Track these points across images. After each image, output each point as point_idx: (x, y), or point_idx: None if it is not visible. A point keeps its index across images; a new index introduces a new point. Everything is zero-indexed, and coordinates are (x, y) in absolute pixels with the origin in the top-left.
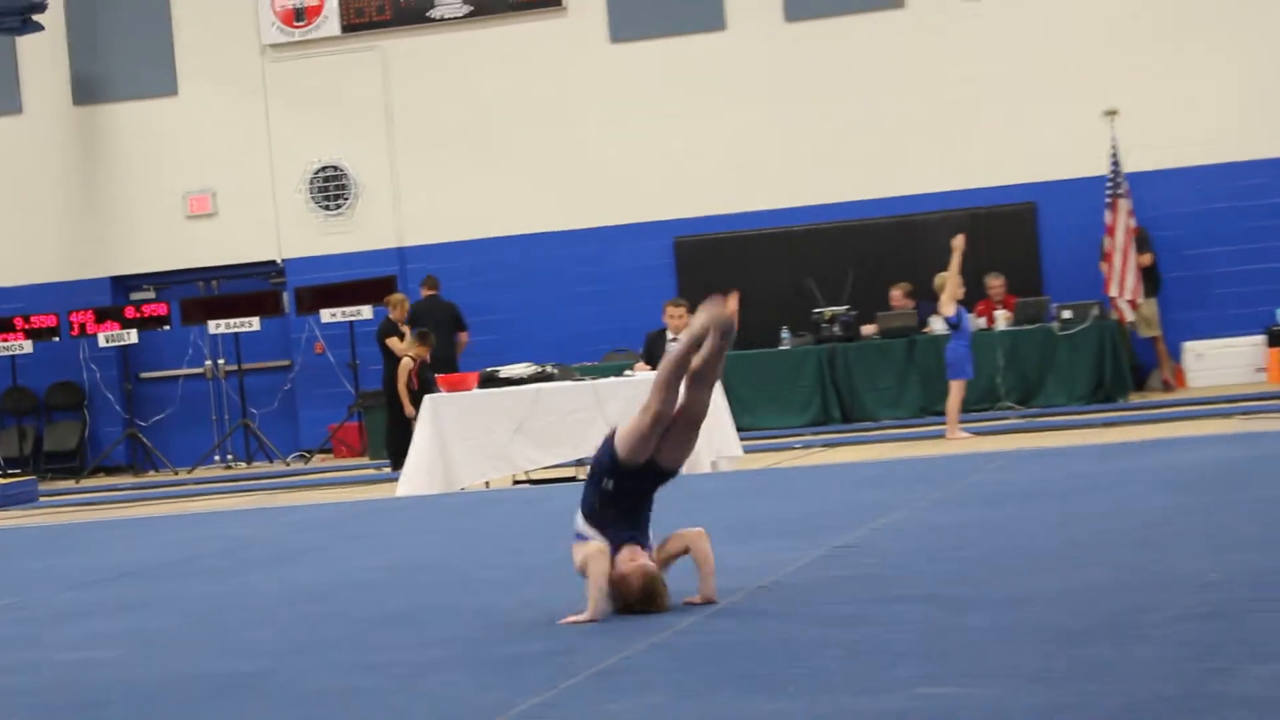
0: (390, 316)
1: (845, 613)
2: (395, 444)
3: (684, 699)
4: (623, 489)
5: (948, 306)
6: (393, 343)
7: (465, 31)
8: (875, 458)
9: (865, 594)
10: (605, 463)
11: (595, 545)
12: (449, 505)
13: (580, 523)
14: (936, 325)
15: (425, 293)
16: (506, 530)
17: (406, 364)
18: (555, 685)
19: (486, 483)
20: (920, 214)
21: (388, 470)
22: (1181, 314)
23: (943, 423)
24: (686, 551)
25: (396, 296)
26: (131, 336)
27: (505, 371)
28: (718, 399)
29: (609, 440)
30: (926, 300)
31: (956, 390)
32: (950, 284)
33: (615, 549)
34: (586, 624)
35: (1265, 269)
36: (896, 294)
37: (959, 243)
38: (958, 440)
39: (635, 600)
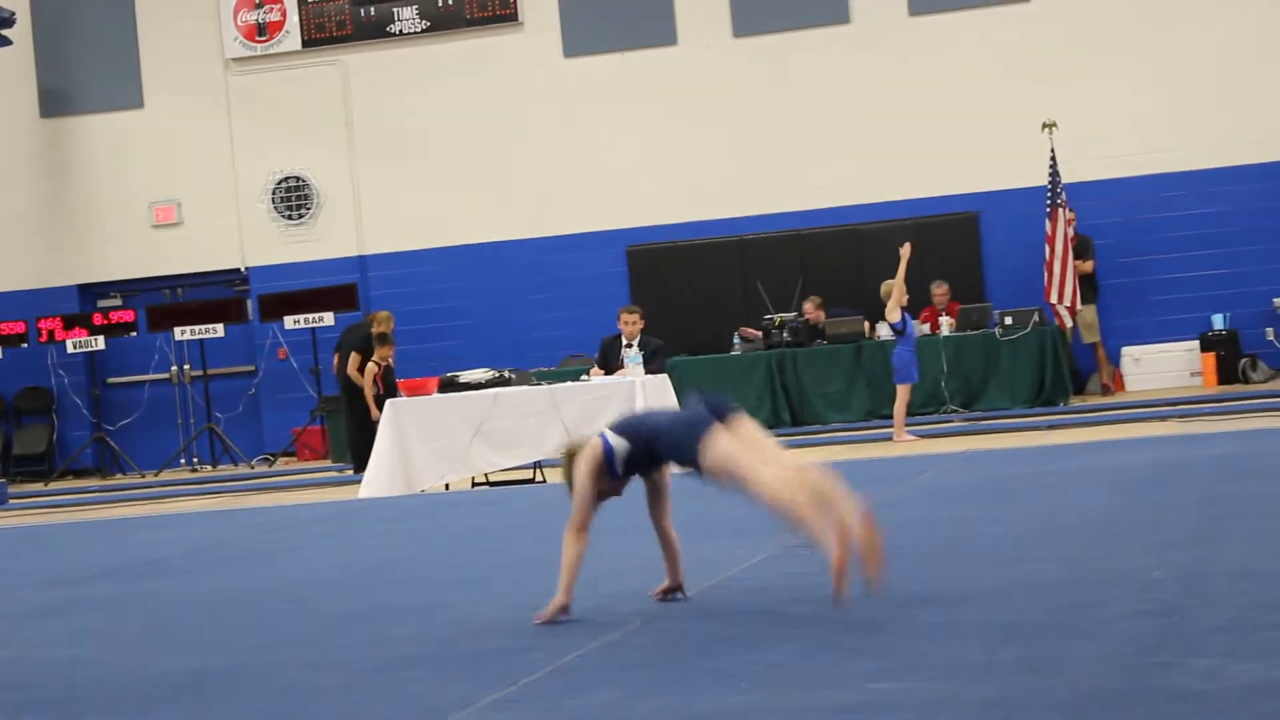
0: (374, 330)
1: (797, 610)
2: (359, 447)
3: (640, 695)
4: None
5: (893, 313)
6: (353, 372)
7: (423, 46)
8: (825, 459)
9: (817, 591)
10: (686, 456)
11: (575, 526)
12: (410, 507)
13: (618, 445)
14: (882, 331)
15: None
16: (466, 530)
17: (371, 369)
18: (515, 681)
19: (446, 485)
20: (866, 223)
21: (350, 473)
22: (1120, 320)
23: (890, 425)
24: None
25: (384, 314)
26: (99, 343)
27: (464, 376)
28: (670, 402)
29: (698, 438)
30: (876, 307)
31: (903, 394)
32: (896, 291)
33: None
34: (560, 613)
35: (1199, 276)
36: (809, 306)
37: (906, 251)
38: (905, 442)
39: None
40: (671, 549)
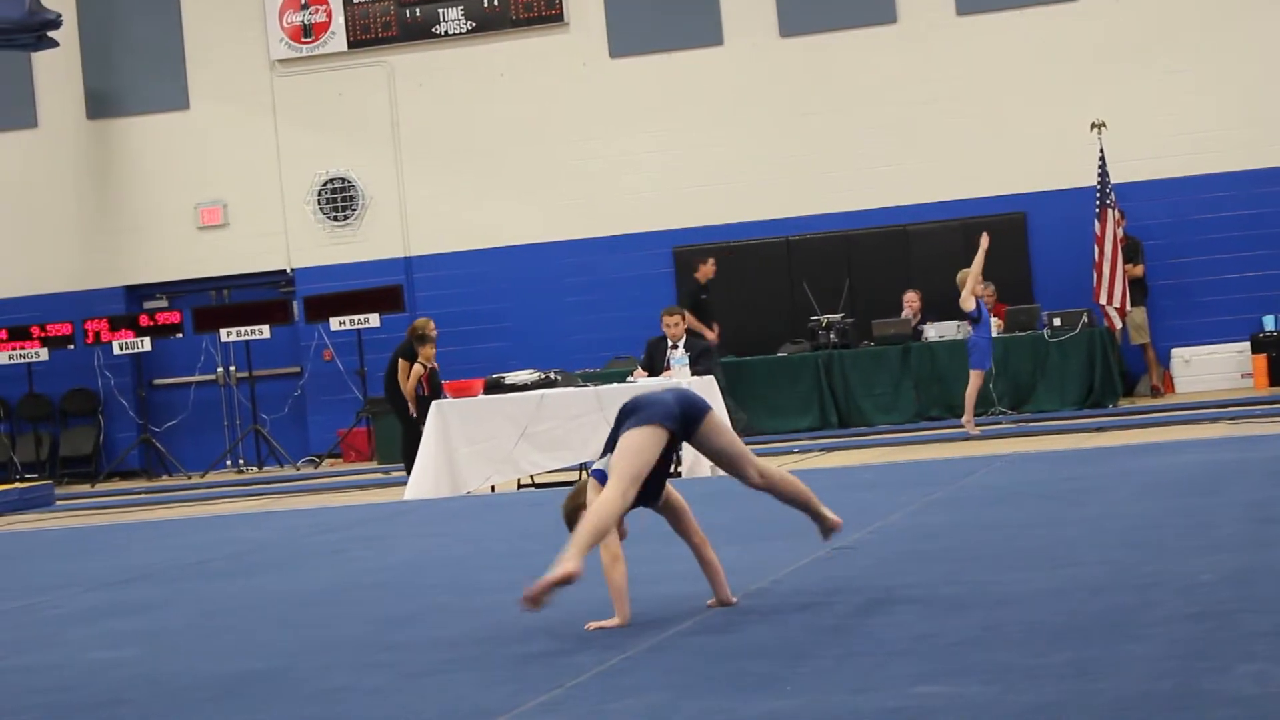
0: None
1: (842, 613)
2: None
3: (685, 698)
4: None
5: (968, 301)
6: (403, 379)
7: (469, 47)
8: (872, 462)
9: (862, 594)
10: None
11: (608, 554)
12: (455, 508)
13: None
14: (930, 332)
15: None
16: (512, 532)
17: (417, 370)
18: (560, 684)
19: (492, 486)
20: (913, 223)
21: (395, 474)
22: (1169, 321)
23: (935, 428)
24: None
25: (421, 320)
26: (145, 344)
27: (510, 378)
28: (715, 403)
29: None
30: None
31: (975, 380)
32: (971, 280)
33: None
34: (614, 628)
35: (1250, 277)
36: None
37: (984, 242)
38: (973, 429)
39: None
40: (711, 568)
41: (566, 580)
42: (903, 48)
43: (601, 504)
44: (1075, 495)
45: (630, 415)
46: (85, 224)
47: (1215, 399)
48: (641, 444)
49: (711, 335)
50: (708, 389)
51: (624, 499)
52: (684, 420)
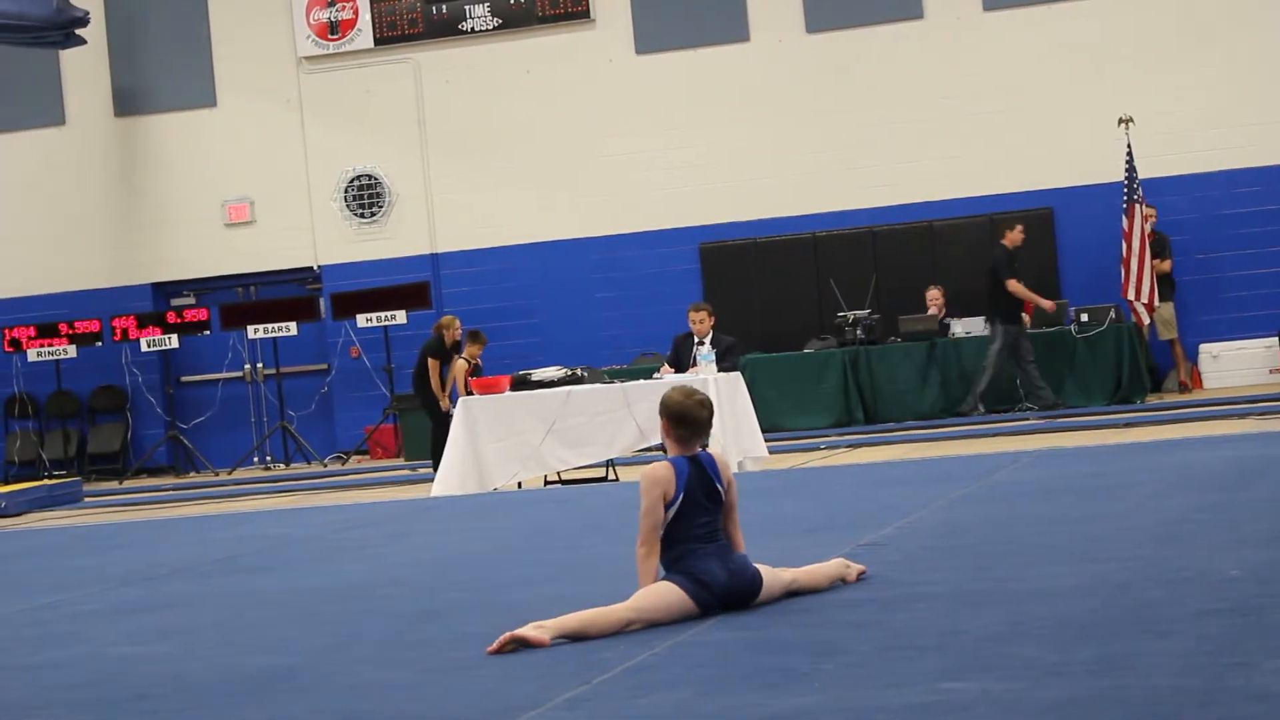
0: (466, 331)
1: (869, 609)
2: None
3: (712, 694)
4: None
5: None
6: (434, 364)
7: (495, 43)
8: (898, 458)
9: (889, 590)
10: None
11: (646, 544)
12: (482, 505)
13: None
14: (957, 328)
15: None
16: (538, 529)
17: (461, 365)
18: (587, 681)
19: (519, 483)
20: (940, 219)
21: (423, 471)
22: (1197, 317)
23: (960, 424)
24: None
25: (449, 319)
26: (172, 341)
27: (537, 374)
28: (743, 400)
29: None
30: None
31: None
32: None
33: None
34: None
35: (1278, 273)
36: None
37: None
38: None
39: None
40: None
41: (532, 645)
42: (929, 43)
43: (605, 614)
44: (1102, 491)
45: (697, 536)
46: (113, 221)
47: (1243, 394)
48: (671, 604)
49: (1029, 314)
50: (734, 385)
51: (625, 626)
52: (724, 602)
